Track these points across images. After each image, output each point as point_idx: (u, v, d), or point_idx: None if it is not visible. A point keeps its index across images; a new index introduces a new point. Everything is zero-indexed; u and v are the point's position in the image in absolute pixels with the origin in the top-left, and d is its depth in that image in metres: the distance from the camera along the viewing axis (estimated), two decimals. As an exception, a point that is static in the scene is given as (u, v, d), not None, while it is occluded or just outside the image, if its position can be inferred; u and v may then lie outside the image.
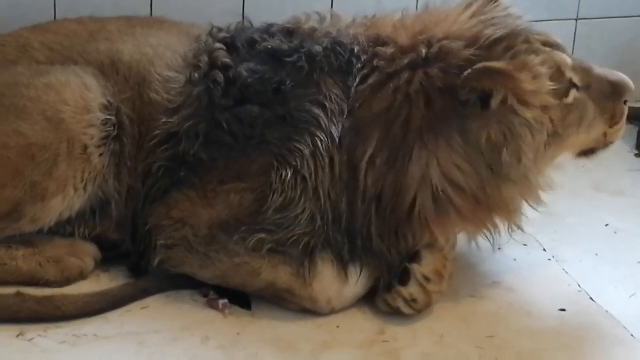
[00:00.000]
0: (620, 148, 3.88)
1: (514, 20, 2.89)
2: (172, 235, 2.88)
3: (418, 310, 2.86)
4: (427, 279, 2.85)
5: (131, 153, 2.98)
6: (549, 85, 2.79)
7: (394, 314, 2.87)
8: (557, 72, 2.83)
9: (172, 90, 2.97)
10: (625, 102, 2.97)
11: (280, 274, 2.83)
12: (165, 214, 2.90)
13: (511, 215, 2.92)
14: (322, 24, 3.00)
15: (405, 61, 2.83)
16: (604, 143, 3.00)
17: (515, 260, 3.20)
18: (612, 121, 2.96)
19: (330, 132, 2.81)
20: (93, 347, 2.71)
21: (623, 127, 3.01)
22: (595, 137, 2.97)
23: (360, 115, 2.83)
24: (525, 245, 3.27)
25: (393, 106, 2.81)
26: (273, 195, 2.80)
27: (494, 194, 2.83)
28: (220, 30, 3.07)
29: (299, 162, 2.80)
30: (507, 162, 2.78)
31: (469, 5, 2.93)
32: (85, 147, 2.91)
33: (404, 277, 2.86)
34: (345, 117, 2.83)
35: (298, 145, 2.81)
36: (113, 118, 2.96)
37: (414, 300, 2.85)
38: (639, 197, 3.61)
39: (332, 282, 2.84)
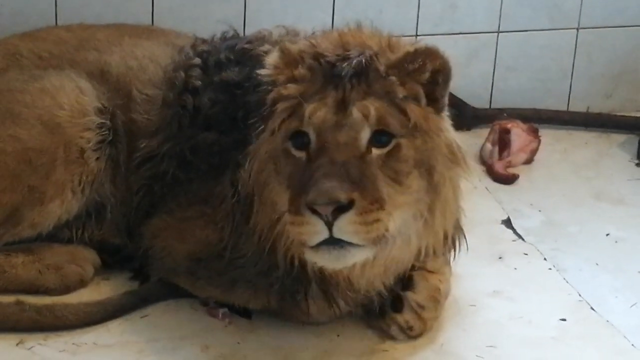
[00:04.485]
0: (621, 157, 3.89)
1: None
2: (159, 264, 2.91)
3: (414, 336, 2.80)
4: (421, 306, 2.80)
5: (124, 160, 2.98)
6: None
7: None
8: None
9: (151, 111, 2.97)
10: (316, 211, 2.36)
11: (266, 300, 2.78)
12: (151, 240, 2.92)
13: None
14: (276, 45, 2.85)
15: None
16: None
17: (515, 269, 3.19)
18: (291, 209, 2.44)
19: None
20: (93, 356, 2.71)
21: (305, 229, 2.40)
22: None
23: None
24: (526, 254, 3.27)
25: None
26: (227, 227, 2.75)
27: None
28: (203, 41, 3.06)
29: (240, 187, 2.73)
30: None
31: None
32: (82, 151, 2.92)
33: (398, 305, 2.79)
34: None
35: (241, 170, 2.74)
36: (108, 122, 2.97)
37: (410, 328, 2.79)
38: (640, 207, 3.62)
39: (316, 302, 2.76)
